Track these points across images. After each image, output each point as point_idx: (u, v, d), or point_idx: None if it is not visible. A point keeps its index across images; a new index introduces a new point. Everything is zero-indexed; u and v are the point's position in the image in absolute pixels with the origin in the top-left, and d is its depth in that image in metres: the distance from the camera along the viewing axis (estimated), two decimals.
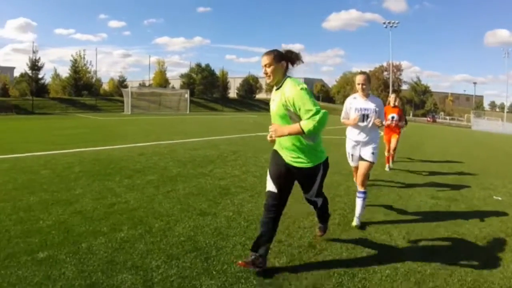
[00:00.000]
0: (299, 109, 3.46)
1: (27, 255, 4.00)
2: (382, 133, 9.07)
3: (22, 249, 4.14)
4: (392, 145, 10.41)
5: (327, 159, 3.97)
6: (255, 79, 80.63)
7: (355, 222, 5.31)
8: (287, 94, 3.53)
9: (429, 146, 18.54)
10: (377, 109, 5.54)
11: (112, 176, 7.94)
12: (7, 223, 4.95)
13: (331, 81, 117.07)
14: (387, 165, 10.22)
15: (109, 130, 20.38)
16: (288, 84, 3.62)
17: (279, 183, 3.79)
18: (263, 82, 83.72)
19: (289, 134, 3.54)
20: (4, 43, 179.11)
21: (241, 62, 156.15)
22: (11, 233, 4.61)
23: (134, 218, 5.33)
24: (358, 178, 5.47)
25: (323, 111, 3.40)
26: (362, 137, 5.59)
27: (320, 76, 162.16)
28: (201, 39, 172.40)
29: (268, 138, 3.85)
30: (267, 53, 3.70)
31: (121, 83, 65.49)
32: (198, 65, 73.11)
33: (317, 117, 3.36)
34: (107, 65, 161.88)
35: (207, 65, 73.51)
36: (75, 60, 60.06)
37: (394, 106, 10.31)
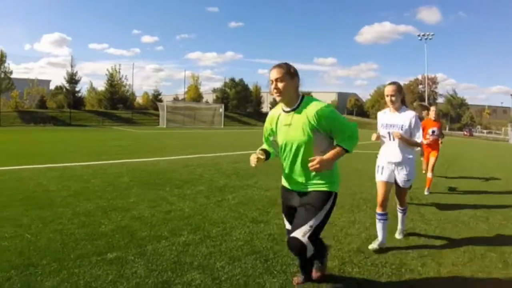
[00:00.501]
0: (332, 130, 3.18)
1: (96, 256, 4.26)
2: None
3: (91, 251, 4.42)
4: (431, 163, 9.34)
5: (337, 193, 3.37)
6: None
7: (398, 236, 5.35)
8: (318, 115, 3.10)
9: (466, 160, 18.22)
10: (404, 124, 4.86)
11: (162, 186, 8.24)
12: (70, 226, 5.26)
13: (365, 95, 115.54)
14: (426, 189, 8.94)
15: (149, 143, 20.95)
16: (311, 104, 3.19)
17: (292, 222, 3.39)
18: None
19: (333, 161, 3.19)
20: (40, 57, 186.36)
21: None
22: (76, 236, 4.90)
23: (191, 224, 5.58)
24: (397, 199, 5.31)
25: (355, 124, 3.31)
26: (393, 157, 4.96)
27: (354, 90, 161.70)
28: (233, 54, 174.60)
29: (252, 162, 3.31)
30: (279, 66, 3.21)
31: (156, 97, 66.85)
32: (232, 80, 74.08)
33: (355, 133, 3.23)
34: (140, 79, 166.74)
35: (241, 80, 74.43)
36: (111, 74, 61.89)
37: (435, 120, 9.34)
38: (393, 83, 4.93)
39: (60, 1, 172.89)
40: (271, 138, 3.50)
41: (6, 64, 53.40)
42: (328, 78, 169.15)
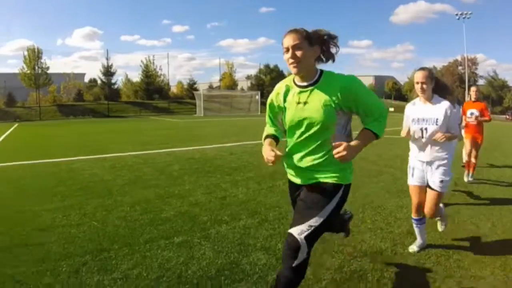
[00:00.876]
0: (360, 108, 2.66)
1: (164, 240, 4.51)
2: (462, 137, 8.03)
3: (157, 235, 4.67)
4: (473, 150, 8.37)
5: (350, 184, 2.82)
6: None
7: (416, 248, 4.42)
8: (345, 89, 2.60)
9: (510, 146, 17.60)
10: (438, 118, 4.16)
11: (213, 173, 8.49)
12: (133, 213, 5.55)
13: (402, 78, 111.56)
14: (466, 173, 8.22)
15: (190, 132, 21.49)
16: (334, 77, 2.68)
17: None
18: None
19: (361, 149, 2.63)
20: (72, 51, 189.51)
21: None
22: (141, 222, 5.18)
23: (248, 209, 5.80)
24: (426, 207, 4.32)
25: (385, 106, 2.80)
26: (426, 155, 4.30)
27: (391, 73, 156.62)
28: (266, 40, 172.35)
29: (270, 161, 2.65)
30: (295, 31, 2.62)
31: (191, 86, 67.70)
32: (267, 66, 74.16)
33: (384, 114, 2.74)
34: (173, 68, 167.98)
35: (276, 66, 74.39)
36: (146, 65, 62.96)
37: (476, 101, 8.52)
38: (424, 68, 4.28)
39: None
40: (278, 117, 2.96)
41: (42, 60, 55.14)
42: (364, 61, 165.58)
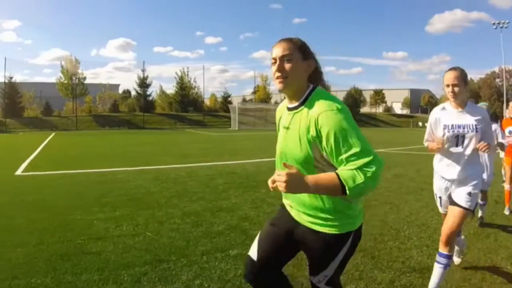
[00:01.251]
0: (334, 149, 1.94)
1: (220, 252, 4.65)
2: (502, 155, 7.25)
3: (213, 248, 4.82)
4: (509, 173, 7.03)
5: (361, 226, 2.32)
6: (359, 92, 79.86)
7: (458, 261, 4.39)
8: (319, 122, 1.98)
9: None
10: (479, 125, 3.62)
11: (257, 188, 8.63)
12: (185, 226, 5.72)
13: (438, 91, 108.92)
14: (506, 207, 6.84)
15: (227, 145, 21.87)
16: (319, 101, 2.06)
17: (265, 250, 2.43)
18: (367, 95, 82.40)
19: (315, 191, 1.93)
20: (106, 62, 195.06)
21: (341, 74, 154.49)
22: (194, 234, 5.34)
23: None
24: (443, 232, 3.66)
25: (379, 157, 1.91)
26: (457, 172, 3.69)
27: (427, 86, 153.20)
28: None
29: (270, 187, 1.95)
30: (287, 40, 2.16)
31: (225, 99, 68.37)
32: None
33: (372, 169, 1.85)
34: (206, 80, 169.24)
35: None
36: (181, 77, 64.01)
37: None
38: (455, 68, 3.62)
39: (124, 7, 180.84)
40: None
41: (79, 71, 56.80)
42: (399, 74, 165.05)
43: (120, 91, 75.01)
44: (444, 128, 3.72)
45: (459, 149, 3.67)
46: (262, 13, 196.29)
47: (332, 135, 1.91)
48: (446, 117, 3.74)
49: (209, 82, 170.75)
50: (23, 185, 8.91)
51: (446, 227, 3.63)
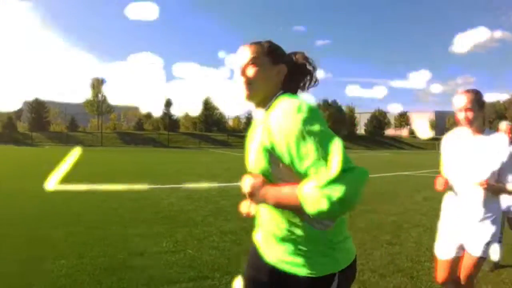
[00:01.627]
0: (290, 158, 1.54)
1: None
2: None
3: None
4: None
5: (354, 261, 1.83)
6: (383, 114, 79.36)
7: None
8: (275, 128, 1.60)
9: None
10: (494, 156, 3.02)
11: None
12: (224, 244, 5.83)
13: None
14: None
15: None
16: (278, 104, 1.70)
17: None
18: (391, 117, 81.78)
19: (276, 204, 1.65)
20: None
21: (365, 96, 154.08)
22: (234, 252, 5.46)
23: None
24: (462, 274, 3.18)
25: (359, 169, 1.48)
26: (472, 213, 3.09)
27: (452, 108, 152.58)
28: (323, 73, 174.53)
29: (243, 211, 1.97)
30: (253, 43, 1.86)
31: (249, 120, 68.73)
32: (325, 101, 74.17)
33: (339, 193, 1.37)
34: (229, 102, 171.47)
35: (334, 101, 74.30)
36: (205, 99, 64.89)
37: None
38: (468, 91, 3.09)
39: (148, 25, 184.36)
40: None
41: (104, 88, 58.02)
42: (424, 95, 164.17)
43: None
44: (455, 158, 3.21)
45: (471, 184, 3.04)
46: (285, 34, 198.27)
47: (284, 141, 1.55)
48: (459, 145, 3.21)
49: (232, 103, 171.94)
50: (55, 199, 9.10)
51: (462, 275, 3.16)
